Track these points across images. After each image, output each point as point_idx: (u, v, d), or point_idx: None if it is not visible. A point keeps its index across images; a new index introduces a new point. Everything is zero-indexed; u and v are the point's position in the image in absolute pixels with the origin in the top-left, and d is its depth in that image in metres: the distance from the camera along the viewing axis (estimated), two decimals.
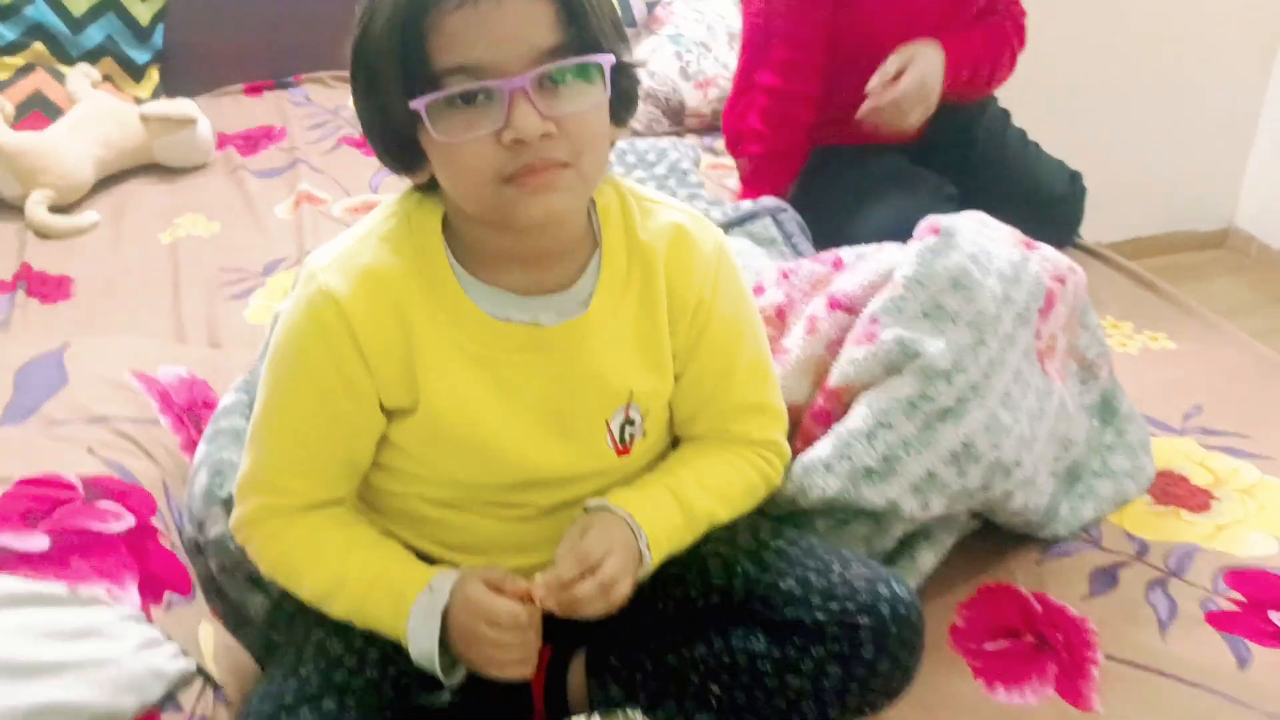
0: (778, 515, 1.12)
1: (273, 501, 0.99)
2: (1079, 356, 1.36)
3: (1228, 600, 1.19)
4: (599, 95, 0.88)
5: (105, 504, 1.04)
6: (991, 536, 1.27)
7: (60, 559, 0.94)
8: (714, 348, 1.03)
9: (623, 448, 1.02)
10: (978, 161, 1.84)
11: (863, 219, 1.64)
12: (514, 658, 0.93)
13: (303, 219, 2.05)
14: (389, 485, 1.04)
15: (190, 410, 1.30)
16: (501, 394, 0.97)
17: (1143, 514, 1.32)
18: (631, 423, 1.02)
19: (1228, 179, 3.33)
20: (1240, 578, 1.22)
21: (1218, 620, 1.16)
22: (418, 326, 0.94)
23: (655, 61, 2.47)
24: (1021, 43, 1.83)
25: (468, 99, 0.85)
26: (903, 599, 0.94)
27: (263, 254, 1.93)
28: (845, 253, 1.29)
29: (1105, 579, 1.22)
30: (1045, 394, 1.23)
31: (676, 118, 2.48)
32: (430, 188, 0.96)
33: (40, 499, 1.01)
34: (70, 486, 1.05)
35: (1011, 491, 1.17)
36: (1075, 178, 1.90)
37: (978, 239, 1.21)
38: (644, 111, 2.44)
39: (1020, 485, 1.17)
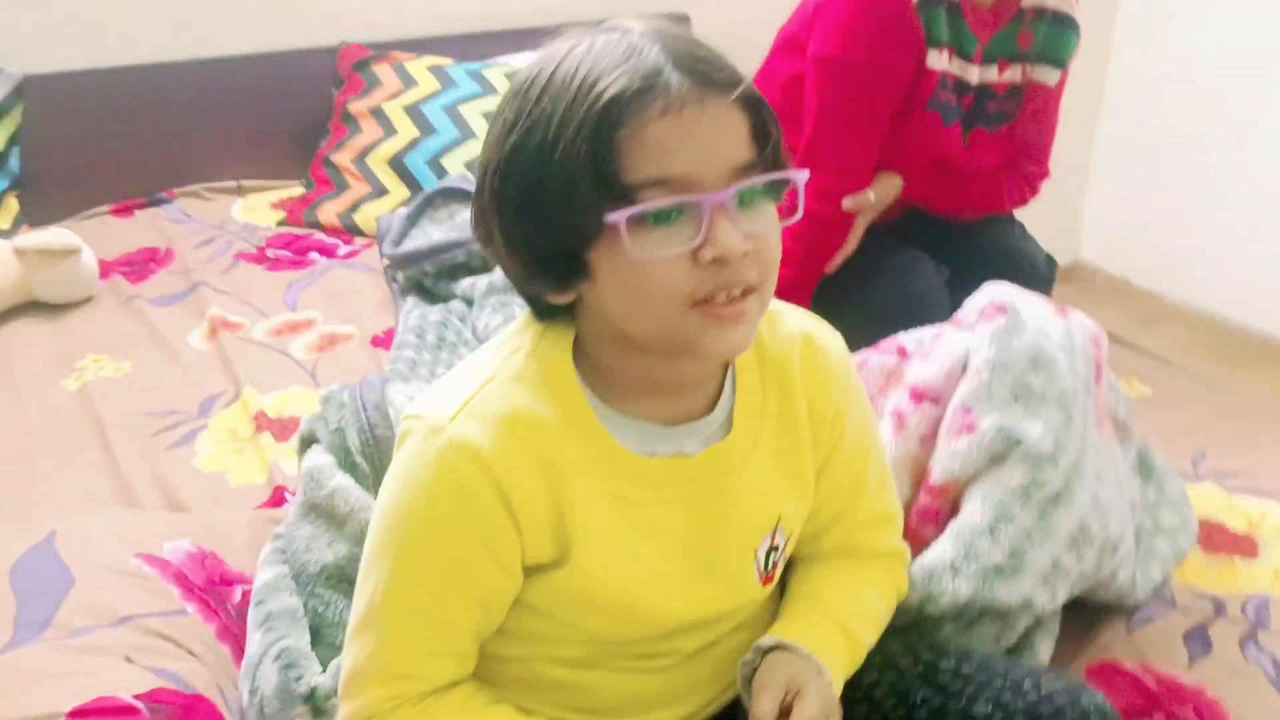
0: (902, 625, 1.06)
1: (401, 690, 0.86)
2: (1114, 417, 1.36)
3: None
4: (777, 216, 0.82)
5: None
6: (1069, 613, 1.25)
7: None
8: (849, 461, 0.97)
9: (767, 576, 0.94)
10: (961, 235, 1.86)
11: (866, 294, 1.64)
12: None
13: (224, 347, 1.87)
14: (510, 651, 0.92)
15: (210, 590, 1.14)
16: (650, 538, 0.88)
17: (1201, 568, 1.33)
18: (776, 549, 0.94)
19: (1070, 215, 3.51)
20: None
21: None
22: (567, 474, 0.84)
23: None
24: (1025, 198, 1.89)
25: (664, 216, 0.77)
26: (1105, 707, 0.89)
27: (191, 392, 1.76)
28: (905, 340, 1.25)
29: (1199, 640, 1.21)
30: (1115, 463, 1.22)
31: None
32: (561, 313, 0.86)
33: None
34: (132, 710, 0.89)
35: (1117, 569, 1.15)
36: (1050, 259, 1.93)
37: (1035, 313, 1.20)
38: None
39: (1123, 561, 1.15)
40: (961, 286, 1.65)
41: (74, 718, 0.86)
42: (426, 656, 0.86)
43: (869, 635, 0.97)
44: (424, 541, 0.85)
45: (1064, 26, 1.74)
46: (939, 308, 1.61)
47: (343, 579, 1.10)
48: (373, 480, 1.16)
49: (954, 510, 1.10)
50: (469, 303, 1.91)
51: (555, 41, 0.82)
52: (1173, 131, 3.19)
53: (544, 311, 0.87)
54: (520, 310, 1.65)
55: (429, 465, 0.83)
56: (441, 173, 2.35)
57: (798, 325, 0.95)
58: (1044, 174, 1.88)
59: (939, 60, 1.68)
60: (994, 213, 1.87)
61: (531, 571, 0.87)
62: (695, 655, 0.94)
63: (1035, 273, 1.82)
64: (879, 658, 0.97)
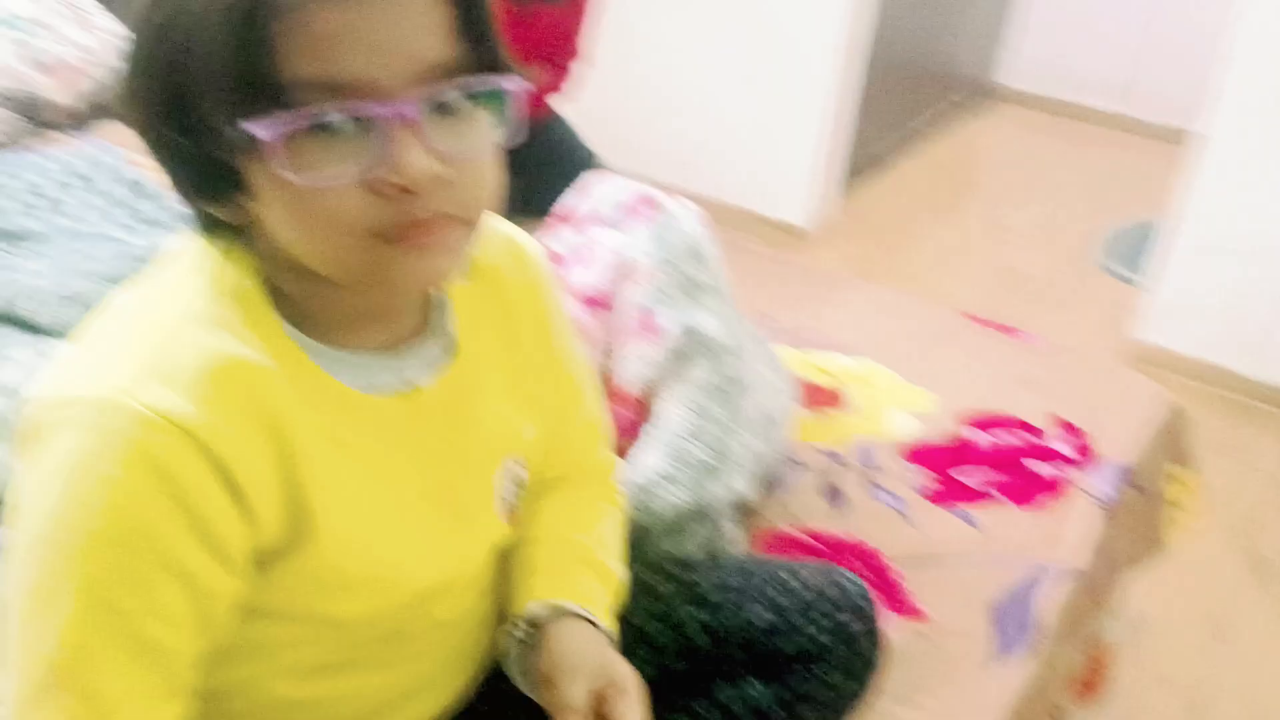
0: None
1: None
2: None
3: (927, 479, 1.34)
4: (494, 130, 0.67)
5: None
6: None
7: None
8: (565, 369, 0.88)
9: (509, 516, 0.84)
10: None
11: None
12: None
13: None
14: (233, 676, 0.75)
15: None
16: (389, 488, 0.74)
17: (807, 425, 1.42)
18: (517, 485, 0.84)
19: None
20: (916, 454, 1.38)
21: (936, 497, 1.31)
22: (291, 429, 0.67)
23: None
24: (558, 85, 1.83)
25: (331, 129, 0.61)
26: (859, 583, 0.91)
27: None
28: (552, 244, 1.16)
29: (832, 494, 1.31)
30: (754, 337, 1.25)
31: (31, 113, 1.99)
32: (232, 230, 0.69)
33: None
34: None
35: (783, 441, 1.18)
36: (590, 151, 1.92)
37: (676, 205, 1.18)
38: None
39: (785, 433, 1.19)
40: (518, 185, 1.58)
41: None
42: (147, 703, 0.65)
43: (620, 569, 0.91)
44: (122, 556, 0.63)
45: None
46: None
47: None
48: None
49: (647, 417, 1.06)
50: None
51: None
52: None
53: (211, 227, 0.69)
54: (7, 252, 1.32)
55: (112, 456, 0.62)
56: None
57: (499, 229, 0.83)
58: (574, 55, 1.86)
59: None
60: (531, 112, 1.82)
61: (262, 560, 0.69)
62: (445, 632, 0.83)
63: (585, 164, 1.82)
64: (634, 588, 0.92)
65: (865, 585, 0.92)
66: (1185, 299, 2.80)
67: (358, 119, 0.60)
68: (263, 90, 0.59)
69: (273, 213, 0.64)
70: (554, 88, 1.84)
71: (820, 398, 1.48)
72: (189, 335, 0.66)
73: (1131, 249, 3.43)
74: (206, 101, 0.60)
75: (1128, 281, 3.25)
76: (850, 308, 1.72)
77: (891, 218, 3.62)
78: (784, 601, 0.89)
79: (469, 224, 0.67)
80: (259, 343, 0.67)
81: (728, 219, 3.28)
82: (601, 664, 0.78)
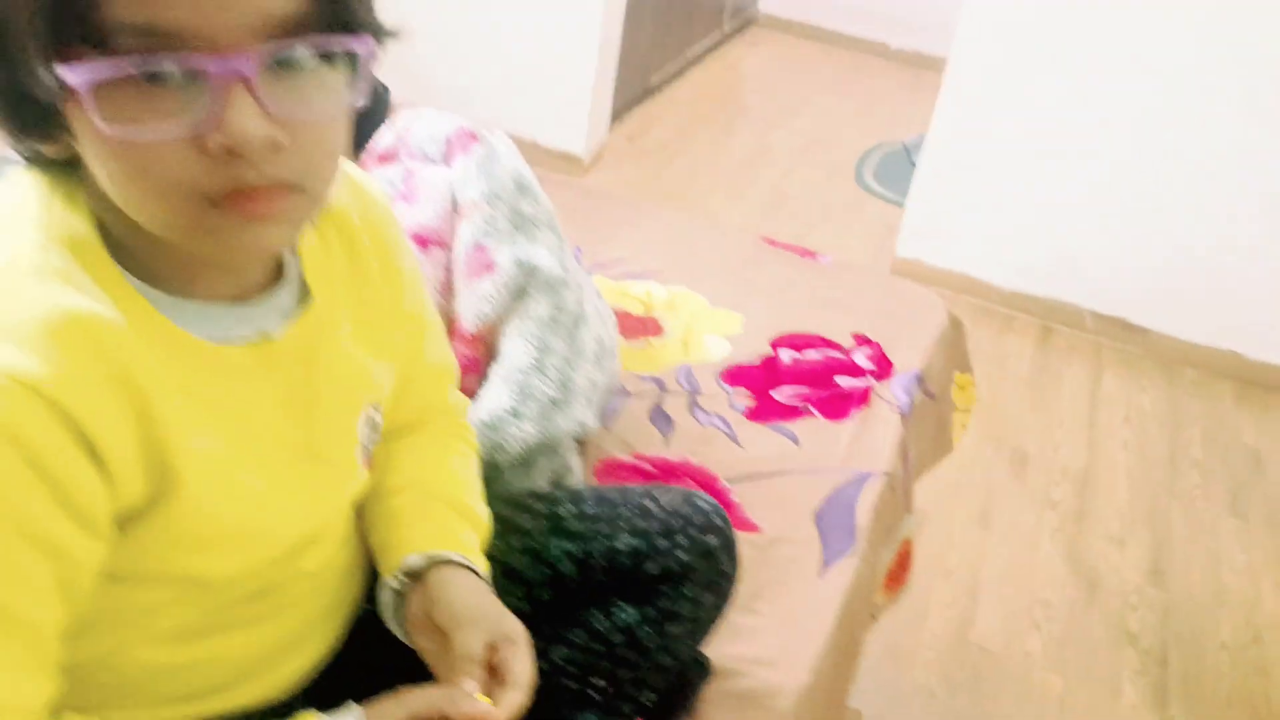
0: None
1: None
2: None
3: (746, 399, 1.40)
4: (344, 93, 0.63)
5: None
6: None
7: None
8: (411, 310, 0.87)
9: (367, 464, 0.83)
10: None
11: None
12: None
13: None
14: (96, 647, 0.71)
15: None
16: (248, 440, 0.72)
17: (628, 354, 1.46)
18: (375, 426, 0.83)
19: None
20: (733, 375, 1.44)
21: (755, 415, 1.37)
22: (144, 382, 0.63)
23: None
24: None
25: (155, 77, 0.57)
26: (713, 503, 0.95)
27: None
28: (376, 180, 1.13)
29: (662, 419, 1.35)
30: (577, 266, 1.27)
31: None
32: (59, 166, 0.64)
33: None
34: None
35: (617, 371, 1.21)
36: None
37: (497, 136, 1.17)
38: None
39: (617, 363, 1.22)
40: None
41: None
42: (12, 679, 0.61)
43: (484, 508, 0.91)
44: None
45: None
46: None
47: None
48: None
49: (490, 354, 1.06)
50: None
51: None
52: None
53: (39, 163, 0.65)
54: None
55: None
56: None
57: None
58: None
59: None
60: None
61: (123, 521, 0.66)
62: (313, 584, 0.82)
63: (381, 100, 1.75)
64: (497, 526, 0.92)
65: (719, 504, 0.96)
66: (940, 216, 3.00)
67: (185, 71, 0.56)
68: (79, 30, 0.55)
69: (95, 163, 0.60)
70: None
71: (639, 327, 1.51)
72: (26, 289, 0.61)
73: (891, 170, 3.63)
74: (19, 36, 0.56)
75: (889, 201, 3.44)
76: (651, 235, 1.76)
77: (664, 143, 3.69)
78: (645, 525, 0.92)
79: (308, 194, 0.63)
80: (101, 294, 0.63)
81: (547, 184, 3.25)
82: (495, 616, 0.79)
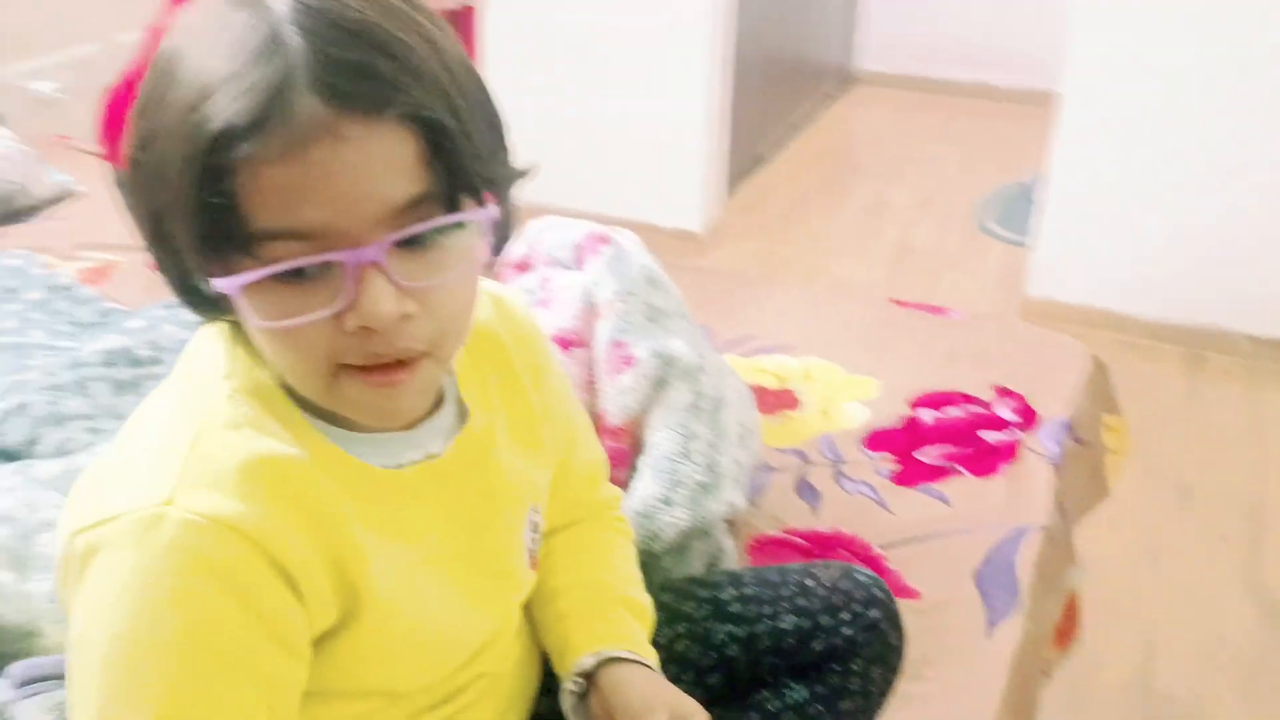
0: None
1: None
2: None
3: (890, 463, 1.40)
4: (472, 251, 0.68)
5: None
6: None
7: None
8: (562, 412, 0.91)
9: (534, 561, 0.87)
10: None
11: None
12: None
13: None
14: None
15: None
16: (426, 557, 0.76)
17: (769, 428, 1.47)
18: (536, 528, 0.87)
19: None
20: (875, 440, 1.45)
21: (902, 479, 1.38)
22: (329, 514, 0.69)
23: None
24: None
25: (298, 273, 0.62)
26: (873, 575, 0.96)
27: None
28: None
29: (808, 491, 1.36)
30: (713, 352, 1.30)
31: None
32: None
33: None
34: None
35: (759, 448, 1.23)
36: None
37: (624, 236, 1.22)
38: None
39: (759, 441, 1.24)
40: None
41: None
42: None
43: (645, 598, 0.94)
44: (193, 663, 0.64)
45: None
46: None
47: None
48: None
49: (637, 446, 1.10)
50: None
51: (196, 9, 0.64)
52: None
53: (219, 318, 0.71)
54: None
55: (165, 565, 0.63)
56: None
57: (484, 289, 0.86)
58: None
59: None
60: None
61: (318, 644, 0.71)
62: (492, 683, 0.85)
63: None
64: (662, 614, 0.95)
65: (878, 577, 0.97)
66: (1069, 251, 2.95)
67: (323, 265, 0.61)
68: (229, 240, 0.61)
69: (253, 334, 0.66)
70: None
71: (775, 401, 1.53)
72: (219, 437, 0.67)
73: (1012, 211, 3.59)
74: (183, 246, 0.62)
75: (1013, 242, 3.40)
76: (776, 308, 1.78)
77: (781, 211, 3.72)
78: (807, 604, 0.93)
79: (434, 358, 0.68)
80: (285, 434, 0.69)
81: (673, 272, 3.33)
82: (669, 699, 0.82)
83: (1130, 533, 2.14)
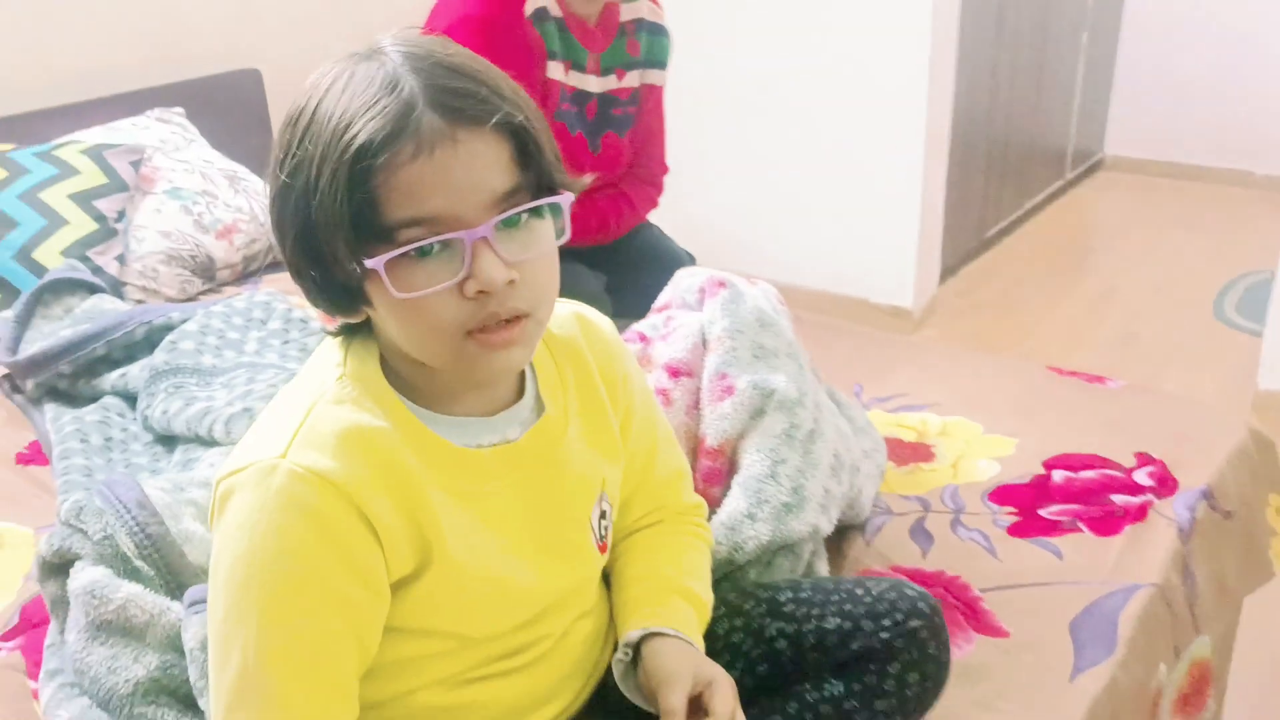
0: (715, 579, 1.15)
1: None
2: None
3: (1010, 515, 1.44)
4: (552, 234, 0.85)
5: None
6: None
7: None
8: (642, 420, 1.05)
9: (603, 543, 1.01)
10: (612, 245, 1.99)
11: None
12: None
13: None
14: (386, 691, 0.92)
15: None
16: (495, 525, 0.91)
17: (898, 478, 1.54)
18: (605, 515, 1.01)
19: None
20: (1000, 494, 1.49)
21: (1018, 531, 1.41)
22: (410, 479, 0.85)
23: (166, 221, 2.27)
24: (655, 200, 2.06)
25: (425, 252, 0.79)
26: (925, 593, 1.03)
27: None
28: (640, 327, 1.35)
29: (922, 535, 1.42)
30: (828, 400, 1.40)
31: (208, 274, 2.30)
32: (360, 329, 0.89)
33: None
34: None
35: (862, 487, 1.32)
36: (689, 254, 2.11)
37: (744, 283, 1.35)
38: (171, 277, 2.23)
39: (865, 480, 1.32)
40: (620, 289, 1.80)
41: None
42: (321, 703, 0.83)
43: (707, 592, 1.05)
44: (290, 583, 0.81)
45: (659, 34, 1.95)
46: (603, 309, 1.74)
47: (162, 691, 1.00)
48: (160, 582, 1.07)
49: (732, 466, 1.22)
50: (125, 397, 1.76)
51: (321, 70, 0.83)
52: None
53: (344, 327, 0.89)
54: (199, 389, 1.57)
55: (275, 504, 0.81)
56: (36, 267, 2.12)
57: (566, 309, 1.02)
58: (664, 169, 2.07)
59: (557, 71, 1.80)
60: (632, 226, 2.03)
61: (397, 587, 0.87)
62: (556, 645, 0.99)
63: (682, 266, 2.00)
64: (723, 609, 1.06)
65: (930, 594, 1.03)
66: None
67: (445, 244, 0.79)
68: (371, 231, 0.79)
69: (386, 319, 0.84)
70: (649, 203, 2.05)
71: (909, 453, 1.60)
72: (326, 411, 0.85)
73: (1256, 301, 3.42)
74: (331, 243, 0.80)
75: (1251, 332, 3.25)
76: (934, 370, 1.84)
77: (1001, 294, 3.70)
78: (853, 608, 1.02)
79: (534, 318, 0.84)
80: (380, 412, 0.86)
81: (840, 308, 3.43)
82: (693, 668, 0.93)
83: None
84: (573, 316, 1.01)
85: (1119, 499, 1.46)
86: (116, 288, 2.16)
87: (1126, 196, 4.56)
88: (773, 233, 3.56)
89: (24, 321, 1.93)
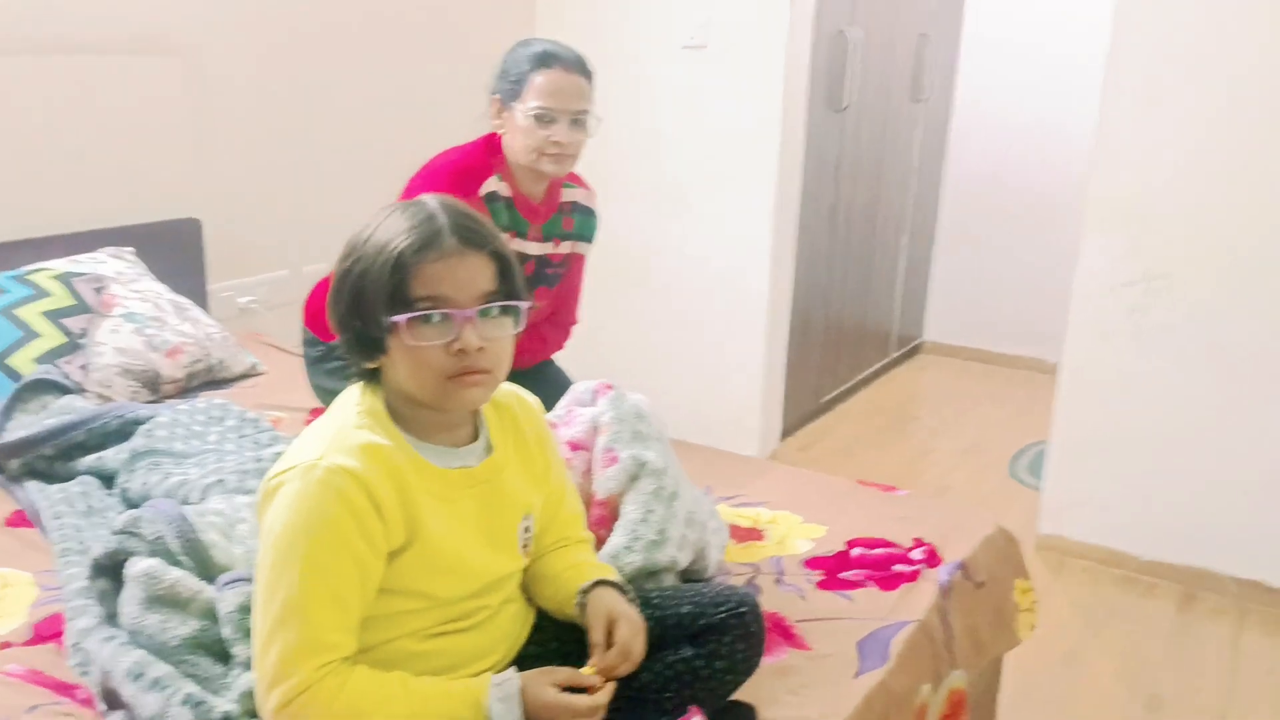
0: None
1: (326, 659, 1.20)
2: None
3: (819, 576, 1.90)
4: (512, 326, 1.31)
5: None
6: None
7: None
8: (557, 475, 1.49)
9: (525, 552, 1.43)
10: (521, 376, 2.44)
11: None
12: None
13: None
14: (375, 637, 1.29)
15: None
16: (459, 522, 1.33)
17: (737, 550, 1.99)
18: (528, 530, 1.43)
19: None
20: (812, 563, 1.95)
21: (824, 585, 1.87)
22: (405, 482, 1.27)
23: (121, 340, 2.63)
24: (561, 343, 2.59)
25: (430, 320, 1.24)
26: (749, 591, 1.48)
27: None
28: (550, 416, 1.79)
29: (754, 589, 1.86)
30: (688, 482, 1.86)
31: (154, 386, 2.65)
32: (370, 378, 1.31)
33: None
34: None
35: (708, 543, 1.77)
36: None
37: (625, 390, 1.82)
38: (124, 386, 2.58)
39: (710, 537, 1.78)
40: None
41: None
42: (340, 629, 1.22)
43: (611, 573, 1.49)
44: (324, 541, 1.21)
45: (590, 215, 2.49)
46: None
47: (199, 646, 1.36)
48: (197, 572, 1.44)
49: (615, 515, 1.66)
50: (100, 476, 2.09)
51: (381, 210, 1.29)
52: None
53: (363, 377, 1.32)
54: (173, 467, 1.94)
55: (315, 489, 1.21)
56: (11, 372, 2.44)
57: (510, 389, 1.47)
58: (575, 321, 2.58)
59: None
60: (544, 359, 2.52)
61: (391, 556, 1.26)
62: (493, 615, 1.39)
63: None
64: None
65: (751, 593, 1.48)
66: (1076, 497, 3.38)
67: (445, 316, 1.24)
68: (400, 300, 1.24)
69: (397, 362, 1.27)
70: (558, 344, 2.54)
71: (745, 535, 2.06)
72: (349, 432, 1.27)
73: (1039, 462, 4.05)
74: (373, 305, 1.24)
75: (1033, 488, 3.85)
76: (771, 481, 2.33)
77: (833, 450, 4.26)
78: (699, 599, 1.44)
79: (494, 376, 1.30)
80: (384, 437, 1.28)
81: (697, 453, 3.91)
82: (609, 608, 1.36)
83: None
84: (514, 393, 1.47)
85: (898, 567, 1.94)
86: (79, 392, 2.49)
87: (942, 375, 5.26)
88: (644, 386, 4.05)
89: (7, 414, 2.26)
